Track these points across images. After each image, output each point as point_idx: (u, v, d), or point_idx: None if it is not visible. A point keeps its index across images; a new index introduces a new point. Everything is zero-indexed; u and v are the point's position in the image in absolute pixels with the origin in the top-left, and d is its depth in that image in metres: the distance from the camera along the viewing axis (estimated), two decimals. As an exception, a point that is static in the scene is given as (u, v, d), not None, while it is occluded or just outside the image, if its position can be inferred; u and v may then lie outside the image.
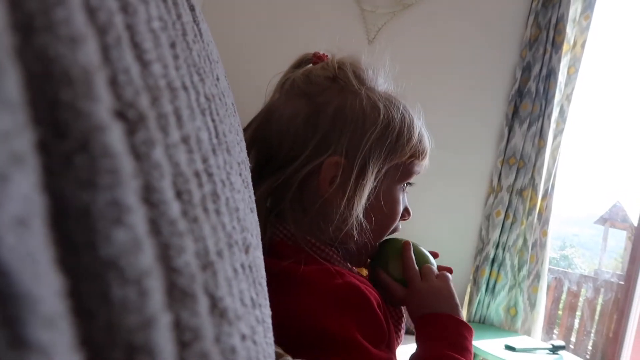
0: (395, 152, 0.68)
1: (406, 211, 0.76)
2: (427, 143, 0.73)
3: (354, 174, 0.66)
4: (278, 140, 0.69)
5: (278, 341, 0.57)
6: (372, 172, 0.67)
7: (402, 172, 0.71)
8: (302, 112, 0.68)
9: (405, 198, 0.75)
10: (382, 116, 0.67)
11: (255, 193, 0.65)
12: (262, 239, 0.66)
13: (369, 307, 0.61)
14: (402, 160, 0.70)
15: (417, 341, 0.67)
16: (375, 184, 0.68)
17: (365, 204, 0.68)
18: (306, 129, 0.67)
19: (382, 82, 0.73)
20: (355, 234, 0.68)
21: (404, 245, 0.76)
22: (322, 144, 0.67)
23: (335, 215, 0.66)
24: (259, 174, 0.70)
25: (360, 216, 0.68)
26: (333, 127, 0.67)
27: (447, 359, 0.63)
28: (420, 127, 0.72)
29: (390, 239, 0.76)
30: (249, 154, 0.70)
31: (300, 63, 0.77)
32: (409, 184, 0.75)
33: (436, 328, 0.68)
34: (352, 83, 0.69)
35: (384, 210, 0.70)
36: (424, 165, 0.74)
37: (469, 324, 0.69)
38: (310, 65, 0.76)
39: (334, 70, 0.70)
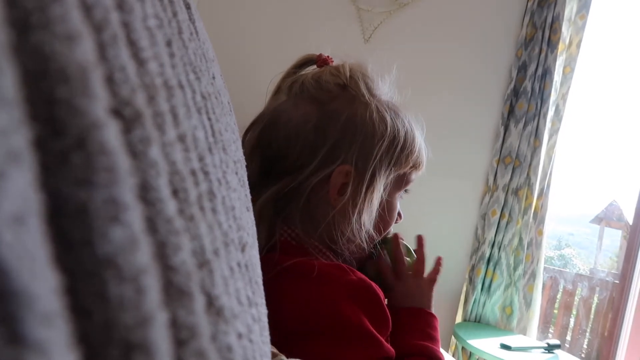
0: (400, 163, 0.71)
1: (399, 215, 0.79)
2: (425, 154, 0.76)
3: (365, 184, 0.68)
4: (286, 145, 0.69)
5: (296, 328, 0.60)
6: (381, 183, 0.69)
7: (404, 181, 0.75)
8: (312, 118, 0.69)
9: (399, 202, 0.78)
10: (389, 129, 0.69)
11: (259, 194, 0.66)
12: (269, 242, 0.68)
13: (379, 302, 0.64)
14: (404, 170, 0.73)
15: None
16: (381, 194, 0.70)
17: (375, 216, 0.71)
18: (316, 136, 0.68)
19: (387, 90, 0.75)
20: (365, 245, 0.71)
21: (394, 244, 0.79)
22: (332, 153, 0.68)
23: (347, 228, 0.69)
24: (265, 177, 0.70)
25: (370, 229, 0.71)
26: (343, 136, 0.68)
27: (423, 350, 0.67)
28: (421, 139, 0.75)
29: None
30: (253, 155, 0.70)
31: (303, 64, 0.77)
32: (406, 191, 0.78)
33: (409, 320, 0.72)
34: (362, 93, 0.70)
35: (386, 218, 0.74)
36: (420, 174, 0.78)
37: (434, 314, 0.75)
38: (316, 67, 0.76)
39: (346, 78, 0.71)
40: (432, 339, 0.69)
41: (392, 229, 0.79)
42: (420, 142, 0.73)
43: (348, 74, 0.71)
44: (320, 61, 0.76)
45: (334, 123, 0.68)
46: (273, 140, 0.70)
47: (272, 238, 0.68)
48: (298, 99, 0.72)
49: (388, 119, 0.69)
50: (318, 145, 0.68)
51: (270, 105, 0.75)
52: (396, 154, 0.69)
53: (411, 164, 0.73)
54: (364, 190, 0.68)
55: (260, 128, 0.72)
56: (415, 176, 0.76)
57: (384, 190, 0.70)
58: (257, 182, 0.68)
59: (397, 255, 0.78)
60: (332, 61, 0.76)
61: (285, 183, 0.68)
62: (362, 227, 0.69)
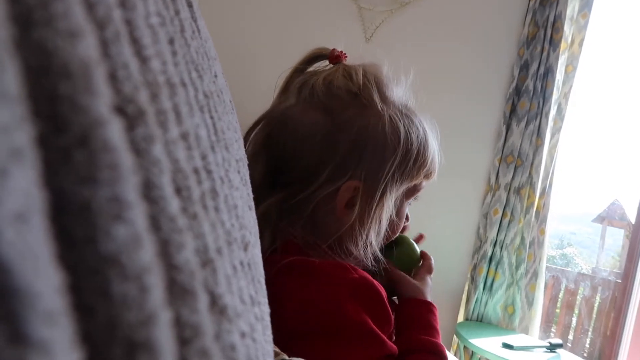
0: (412, 176, 0.69)
1: (406, 218, 0.77)
2: (438, 161, 0.73)
3: (375, 202, 0.66)
4: (293, 153, 0.67)
5: (298, 327, 0.59)
6: (391, 199, 0.68)
7: (414, 191, 0.73)
8: (321, 128, 0.66)
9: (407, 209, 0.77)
10: (402, 142, 0.66)
11: (263, 198, 0.65)
12: (273, 245, 0.67)
13: (382, 301, 0.63)
14: (415, 182, 0.71)
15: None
16: (391, 210, 0.69)
17: (385, 231, 0.70)
18: (325, 148, 0.66)
19: (402, 94, 0.72)
20: (370, 264, 0.70)
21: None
22: (341, 167, 0.65)
23: (355, 249, 0.68)
24: (270, 179, 0.69)
25: (377, 250, 0.69)
26: (353, 150, 0.65)
27: (429, 346, 0.67)
28: (435, 145, 0.72)
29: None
30: (259, 155, 0.69)
31: (312, 59, 0.74)
32: (415, 198, 0.76)
33: (414, 312, 0.72)
34: (375, 103, 0.67)
35: (394, 227, 0.73)
36: (431, 181, 0.76)
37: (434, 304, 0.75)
38: (328, 65, 0.73)
39: (359, 87, 0.67)
40: (437, 331, 0.70)
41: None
42: (433, 150, 0.71)
43: (361, 82, 0.67)
44: (333, 58, 0.72)
45: (344, 136, 0.65)
46: (281, 145, 0.68)
47: (276, 242, 0.67)
48: (307, 105, 0.69)
49: (401, 130, 0.66)
50: (327, 158, 0.66)
51: (279, 105, 0.72)
52: (408, 168, 0.67)
53: (423, 175, 0.71)
54: (373, 207, 0.66)
55: (268, 130, 0.70)
56: (426, 184, 0.74)
57: (393, 204, 0.69)
58: (262, 184, 0.67)
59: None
60: (346, 57, 0.73)
61: (290, 193, 0.67)
62: (369, 247, 0.68)
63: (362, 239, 0.67)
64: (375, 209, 0.66)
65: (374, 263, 0.70)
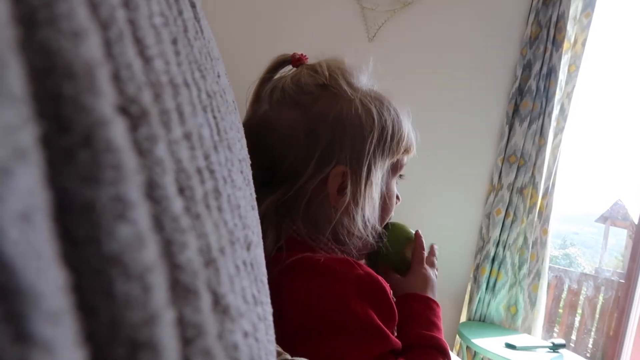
0: (392, 152, 0.72)
1: (397, 198, 0.79)
2: (414, 136, 0.76)
3: (363, 181, 0.68)
4: (279, 154, 0.69)
5: (303, 325, 0.60)
6: (378, 176, 0.70)
7: (398, 167, 0.76)
8: (299, 125, 0.69)
9: (396, 186, 0.79)
10: (376, 121, 0.69)
11: (259, 205, 0.66)
12: (276, 244, 0.68)
13: (386, 296, 0.64)
14: (397, 157, 0.74)
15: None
16: (380, 186, 0.71)
17: (378, 208, 0.72)
18: (307, 143, 0.68)
19: (366, 81, 0.74)
20: (371, 240, 0.72)
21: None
22: (325, 156, 0.68)
23: (354, 227, 0.69)
24: (261, 186, 0.70)
25: (376, 224, 0.72)
26: (333, 138, 0.68)
27: (429, 340, 0.67)
28: (407, 122, 0.75)
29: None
30: None
31: (277, 66, 0.77)
32: (401, 176, 0.79)
33: (414, 308, 0.72)
34: (344, 90, 0.70)
35: (387, 206, 0.75)
36: (411, 157, 0.78)
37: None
38: (292, 68, 0.76)
39: (325, 78, 0.70)
40: (436, 327, 0.70)
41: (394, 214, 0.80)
42: (407, 126, 0.74)
43: (327, 73, 0.70)
44: (295, 61, 0.75)
45: (322, 126, 0.68)
46: (265, 150, 0.70)
47: (280, 240, 0.68)
48: (281, 106, 0.71)
49: (374, 110, 0.69)
50: (310, 152, 0.68)
51: (254, 114, 0.74)
52: (387, 143, 0.70)
53: (403, 150, 0.73)
54: (363, 186, 0.68)
55: (250, 139, 0.72)
56: (407, 159, 0.77)
57: (381, 181, 0.71)
58: (256, 190, 0.68)
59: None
60: (307, 59, 0.76)
61: (282, 192, 0.69)
62: (368, 223, 0.70)
63: (359, 216, 0.69)
64: (365, 187, 0.69)
65: (376, 239, 0.73)
